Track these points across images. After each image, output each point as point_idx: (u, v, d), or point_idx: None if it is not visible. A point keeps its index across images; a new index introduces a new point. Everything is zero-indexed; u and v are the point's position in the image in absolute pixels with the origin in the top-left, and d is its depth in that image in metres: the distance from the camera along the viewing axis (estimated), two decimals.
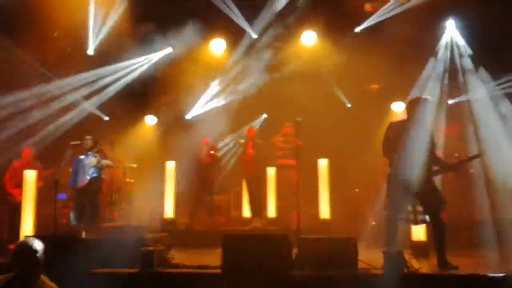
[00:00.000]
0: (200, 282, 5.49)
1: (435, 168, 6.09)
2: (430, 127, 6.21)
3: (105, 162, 8.31)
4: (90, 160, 8.16)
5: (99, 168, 8.22)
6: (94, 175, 8.15)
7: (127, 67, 11.44)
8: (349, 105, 11.80)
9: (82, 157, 8.26)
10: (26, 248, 3.63)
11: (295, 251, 5.63)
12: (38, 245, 3.68)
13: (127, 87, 11.41)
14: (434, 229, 5.97)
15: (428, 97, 6.26)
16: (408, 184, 5.82)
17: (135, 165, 11.08)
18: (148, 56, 11.58)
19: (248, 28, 11.13)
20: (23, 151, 8.83)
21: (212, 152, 9.75)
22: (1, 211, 8.75)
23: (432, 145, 6.09)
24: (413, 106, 6.18)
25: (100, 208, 9.40)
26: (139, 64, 11.65)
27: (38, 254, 3.63)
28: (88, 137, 8.38)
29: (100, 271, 5.71)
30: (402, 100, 11.05)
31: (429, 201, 5.93)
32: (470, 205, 8.51)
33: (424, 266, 5.60)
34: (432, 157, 6.00)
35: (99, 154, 8.21)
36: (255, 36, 11.22)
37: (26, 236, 3.81)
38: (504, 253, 6.65)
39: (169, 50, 11.62)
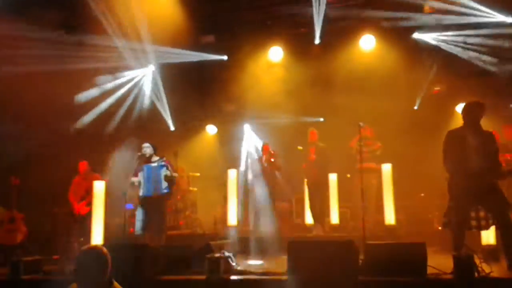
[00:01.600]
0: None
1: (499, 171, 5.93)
2: (490, 130, 6.07)
3: (175, 175, 8.15)
4: (163, 171, 7.87)
5: (172, 182, 7.97)
6: (167, 190, 7.88)
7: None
8: (415, 107, 11.47)
9: (153, 165, 7.96)
10: (90, 255, 3.52)
11: (361, 257, 5.56)
12: (101, 253, 3.54)
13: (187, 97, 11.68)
14: (502, 231, 5.82)
15: (481, 101, 6.08)
16: (469, 191, 5.73)
17: (198, 174, 11.31)
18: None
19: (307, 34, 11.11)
20: (79, 165, 9.21)
21: (272, 159, 9.78)
22: (70, 223, 9.16)
23: (495, 148, 5.92)
24: (469, 110, 6.03)
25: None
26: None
27: (101, 261, 3.51)
28: (146, 144, 8.06)
29: (167, 278, 5.85)
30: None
31: (494, 204, 5.79)
32: None
33: (495, 270, 5.38)
34: (495, 160, 5.86)
35: (168, 164, 8.09)
36: (317, 41, 11.15)
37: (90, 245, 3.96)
38: None
39: (224, 57, 11.80)
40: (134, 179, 7.94)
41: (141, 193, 7.92)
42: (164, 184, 7.86)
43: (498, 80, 10.05)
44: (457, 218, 5.90)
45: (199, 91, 11.67)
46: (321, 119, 11.95)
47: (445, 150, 6.03)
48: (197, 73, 11.77)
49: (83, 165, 9.21)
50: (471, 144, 5.82)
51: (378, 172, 9.10)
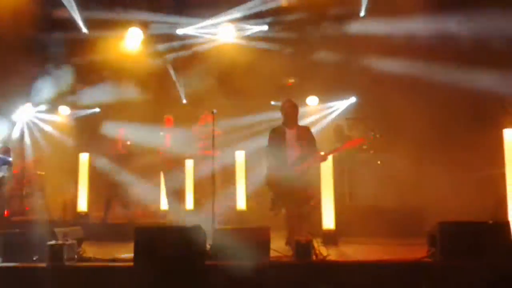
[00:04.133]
0: (111, 275, 5.39)
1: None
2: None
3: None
4: None
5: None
6: None
7: None
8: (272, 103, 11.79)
9: None
10: None
11: (210, 242, 5.66)
12: None
13: None
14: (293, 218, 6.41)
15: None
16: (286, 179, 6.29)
17: (46, 156, 10.66)
18: None
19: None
20: None
21: (128, 142, 9.53)
22: None
23: (311, 138, 6.59)
24: (284, 108, 6.71)
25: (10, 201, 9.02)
26: None
27: None
28: None
29: (5, 266, 5.50)
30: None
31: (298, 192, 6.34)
32: None
33: (332, 254, 5.81)
34: (311, 149, 6.48)
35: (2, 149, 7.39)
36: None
37: None
38: None
39: None
40: None
41: None
42: None
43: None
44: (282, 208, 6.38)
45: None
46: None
47: (269, 145, 6.60)
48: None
49: None
50: (289, 138, 6.48)
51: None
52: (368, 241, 7.24)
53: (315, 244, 5.56)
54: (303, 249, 5.35)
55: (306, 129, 6.78)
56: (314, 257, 5.45)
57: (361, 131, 10.08)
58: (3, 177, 6.95)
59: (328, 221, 7.30)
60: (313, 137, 6.65)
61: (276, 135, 6.58)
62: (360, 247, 7.01)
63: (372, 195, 9.26)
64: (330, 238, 7.04)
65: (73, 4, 10.30)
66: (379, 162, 9.56)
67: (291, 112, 6.64)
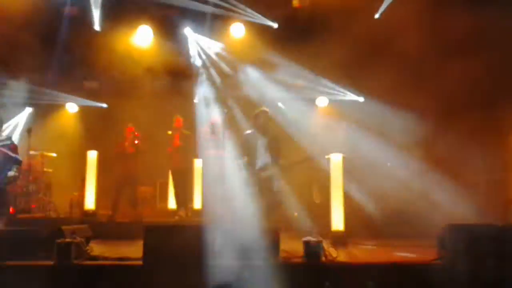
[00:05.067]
0: (120, 274, 5.38)
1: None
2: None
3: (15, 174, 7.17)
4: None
5: (13, 181, 6.75)
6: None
7: None
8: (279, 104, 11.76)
9: None
10: None
11: (217, 241, 5.61)
12: None
13: None
14: None
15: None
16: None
17: (54, 154, 10.64)
18: None
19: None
20: None
21: (136, 141, 9.50)
22: None
23: (278, 146, 7.28)
24: (257, 117, 7.28)
25: (16, 199, 8.98)
26: None
27: None
28: None
29: (12, 264, 5.46)
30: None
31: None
32: None
33: (341, 255, 5.79)
34: (277, 156, 7.19)
35: (10, 146, 7.13)
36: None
37: None
38: None
39: None
40: None
41: None
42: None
43: None
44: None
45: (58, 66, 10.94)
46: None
47: (244, 148, 7.22)
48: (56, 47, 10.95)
49: None
50: (260, 144, 7.13)
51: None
52: (377, 243, 7.18)
53: (325, 246, 5.55)
54: (313, 251, 5.33)
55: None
56: (323, 258, 5.44)
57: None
58: (14, 176, 6.82)
59: (337, 223, 7.25)
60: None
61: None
62: (369, 248, 6.96)
63: (381, 196, 9.20)
64: (339, 240, 7.00)
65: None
66: (388, 164, 9.48)
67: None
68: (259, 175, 7.01)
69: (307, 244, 5.42)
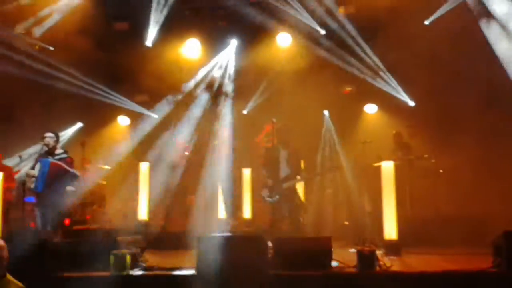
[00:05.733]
0: (174, 283, 5.45)
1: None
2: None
3: (73, 189, 7.11)
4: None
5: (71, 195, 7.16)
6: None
7: None
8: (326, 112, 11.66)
9: (52, 160, 7.15)
10: None
11: (270, 251, 5.62)
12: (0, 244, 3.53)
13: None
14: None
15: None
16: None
17: (107, 167, 10.91)
18: None
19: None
20: None
21: (186, 153, 9.65)
22: None
23: (298, 159, 7.85)
24: (279, 131, 7.73)
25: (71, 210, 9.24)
26: None
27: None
28: (49, 134, 7.21)
29: (69, 275, 5.60)
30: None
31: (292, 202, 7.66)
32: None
33: (395, 264, 5.69)
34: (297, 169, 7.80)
35: (66, 160, 7.31)
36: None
37: None
38: None
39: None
40: (30, 171, 7.19)
41: (32, 186, 7.15)
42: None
43: None
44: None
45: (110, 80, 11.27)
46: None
47: (266, 163, 7.85)
48: (108, 62, 11.27)
49: None
50: (282, 157, 7.66)
51: None
52: (431, 251, 6.99)
53: (379, 255, 5.46)
54: (367, 260, 5.25)
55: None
56: (377, 268, 5.35)
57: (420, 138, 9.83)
58: (72, 192, 7.05)
59: (390, 231, 7.10)
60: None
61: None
62: (423, 257, 6.78)
63: (434, 204, 8.99)
64: (392, 249, 6.84)
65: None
66: (441, 171, 9.24)
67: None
68: (281, 186, 7.53)
69: (360, 253, 5.34)
